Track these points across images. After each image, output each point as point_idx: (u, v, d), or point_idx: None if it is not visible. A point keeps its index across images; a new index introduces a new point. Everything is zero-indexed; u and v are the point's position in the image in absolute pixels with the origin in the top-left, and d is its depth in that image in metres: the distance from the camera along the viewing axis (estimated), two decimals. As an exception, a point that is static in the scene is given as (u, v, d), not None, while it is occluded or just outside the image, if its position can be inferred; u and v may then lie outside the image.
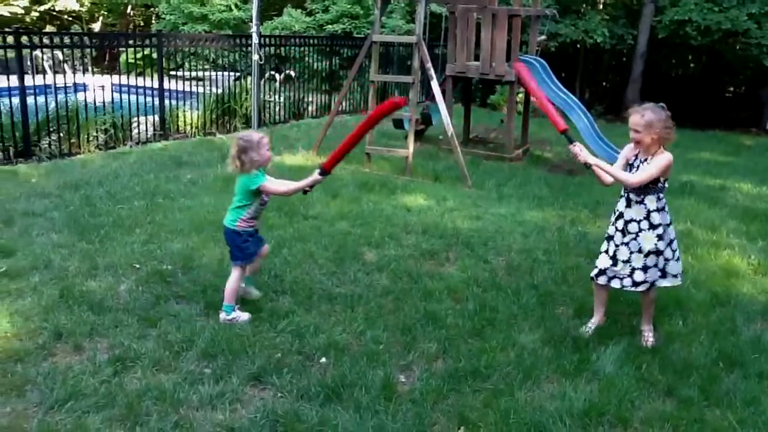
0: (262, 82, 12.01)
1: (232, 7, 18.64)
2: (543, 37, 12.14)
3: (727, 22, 17.58)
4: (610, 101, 20.85)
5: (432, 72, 8.88)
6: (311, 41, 13.97)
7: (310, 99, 13.25)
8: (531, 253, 6.00)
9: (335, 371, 3.84)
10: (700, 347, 4.37)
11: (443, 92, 10.14)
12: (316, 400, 3.56)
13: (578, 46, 19.86)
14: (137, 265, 5.20)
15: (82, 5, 21.82)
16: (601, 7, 21.31)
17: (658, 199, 4.34)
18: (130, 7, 23.40)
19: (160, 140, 10.20)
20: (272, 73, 12.82)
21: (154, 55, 10.50)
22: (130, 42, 11.51)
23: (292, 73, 13.04)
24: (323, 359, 3.99)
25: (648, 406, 3.69)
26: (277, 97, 12.46)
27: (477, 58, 10.66)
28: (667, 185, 4.39)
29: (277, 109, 12.28)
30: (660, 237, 4.33)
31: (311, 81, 13.75)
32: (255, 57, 5.17)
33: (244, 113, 11.27)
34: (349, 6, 17.61)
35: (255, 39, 5.16)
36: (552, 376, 3.95)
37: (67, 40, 9.59)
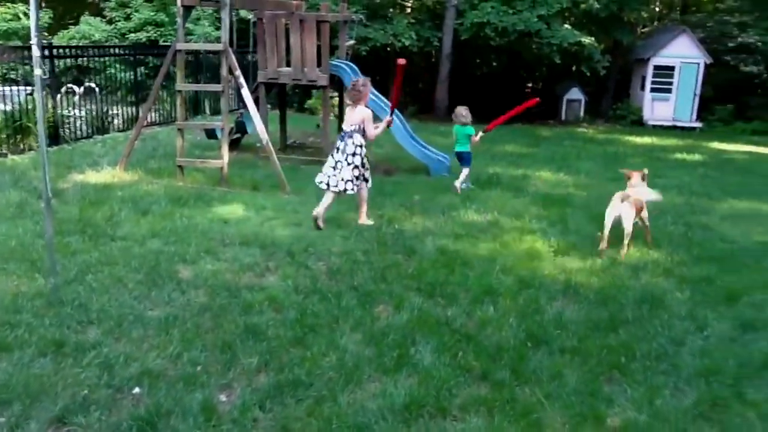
0: (59, 97, 11.14)
1: (21, 15, 17.15)
2: (352, 41, 12.35)
3: (520, 24, 18.98)
4: (423, 101, 21.76)
5: (242, 80, 8.71)
6: (113, 51, 13.20)
7: (116, 112, 12.48)
8: (351, 255, 6.06)
9: (149, 401, 3.61)
10: (509, 330, 4.63)
11: (257, 99, 10.01)
12: (129, 434, 3.33)
13: (388, 49, 20.46)
14: None
15: None
16: (408, 11, 22.15)
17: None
18: None
19: (-61, 166, 9.11)
20: (70, 86, 11.93)
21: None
22: None
23: (94, 86, 12.21)
24: (136, 389, 3.74)
25: (465, 392, 3.85)
26: (77, 111, 11.60)
27: (289, 63, 10.62)
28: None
29: (78, 124, 11.42)
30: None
31: (116, 93, 12.97)
32: (37, 72, 4.73)
33: (40, 131, 10.38)
34: (152, 13, 16.89)
35: (36, 52, 4.71)
36: (374, 375, 3.99)
37: None
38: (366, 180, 7.17)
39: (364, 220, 7.16)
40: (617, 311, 5.04)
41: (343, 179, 6.87)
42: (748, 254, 6.69)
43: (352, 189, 6.94)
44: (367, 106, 7.12)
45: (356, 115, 6.93)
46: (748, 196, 9.85)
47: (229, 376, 3.93)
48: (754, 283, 5.78)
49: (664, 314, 5.02)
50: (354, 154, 6.91)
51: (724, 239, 7.23)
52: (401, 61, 6.82)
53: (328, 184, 6.92)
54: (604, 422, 3.62)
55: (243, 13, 14.09)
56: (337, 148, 6.98)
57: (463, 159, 9.20)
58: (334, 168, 6.93)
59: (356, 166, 6.91)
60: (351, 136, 6.92)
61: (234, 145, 10.87)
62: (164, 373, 3.90)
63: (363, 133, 6.95)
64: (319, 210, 6.87)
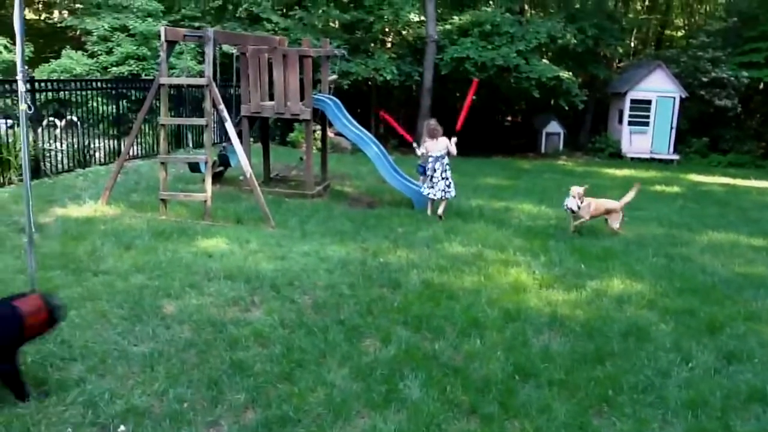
0: (40, 130, 11.08)
1: (1, 49, 17.10)
2: (335, 75, 12.48)
3: (499, 59, 19.31)
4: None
5: (225, 113, 8.73)
6: (95, 84, 13.16)
7: (98, 145, 12.41)
8: (336, 289, 6.04)
9: (135, 439, 3.56)
10: (497, 363, 4.64)
11: (240, 133, 10.03)
12: (114, 474, 3.26)
13: (370, 83, 20.69)
14: None
15: None
16: (389, 46, 22.43)
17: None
18: None
19: None
20: (52, 119, 11.87)
21: None
22: None
23: (75, 119, 12.16)
24: (121, 428, 3.68)
25: (454, 427, 3.83)
26: (58, 144, 11.53)
27: (272, 97, 10.67)
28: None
29: (59, 157, 11.35)
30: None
31: (97, 126, 12.92)
32: (23, 107, 4.72)
33: (20, 164, 10.26)
34: (134, 47, 16.92)
35: (21, 87, 4.71)
36: (362, 411, 3.97)
37: None
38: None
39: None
40: (603, 343, 5.06)
41: (442, 189, 9.45)
42: (729, 286, 6.78)
43: (452, 192, 9.60)
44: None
45: (441, 143, 9.51)
46: (726, 227, 10.01)
47: (216, 412, 3.89)
48: (736, 315, 5.85)
49: (649, 346, 5.05)
50: (447, 171, 9.53)
51: (705, 271, 7.32)
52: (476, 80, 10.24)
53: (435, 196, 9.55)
54: (595, 456, 3.62)
55: (225, 47, 14.17)
56: (434, 169, 9.47)
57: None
58: (431, 181, 9.55)
59: (448, 178, 9.54)
60: (443, 158, 9.49)
61: (216, 178, 10.85)
62: (150, 411, 3.85)
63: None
64: (440, 211, 9.44)
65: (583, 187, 8.82)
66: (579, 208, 8.70)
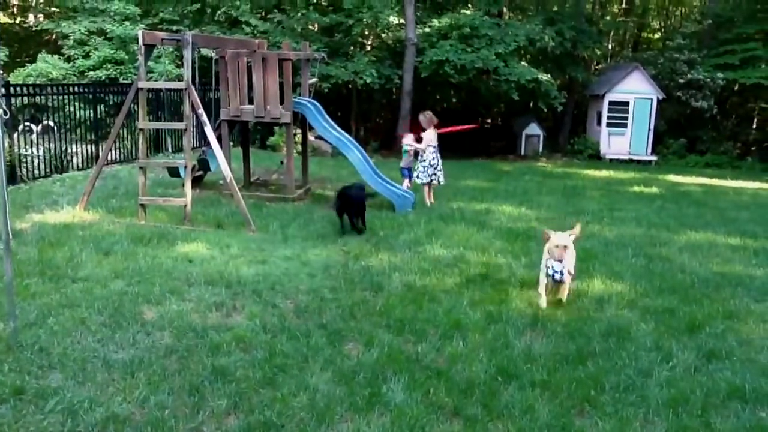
0: (16, 135, 10.94)
1: (-25, 54, 16.88)
2: (315, 79, 12.44)
3: (479, 61, 19.38)
4: (384, 137, 21.95)
5: (204, 117, 8.67)
6: (72, 89, 13.02)
7: (75, 150, 12.28)
8: (318, 293, 6.02)
9: (115, 447, 3.51)
10: (480, 365, 4.64)
11: (219, 137, 9.97)
12: (94, 483, 3.22)
13: (350, 86, 20.67)
14: None
15: None
16: (368, 49, 22.43)
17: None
18: None
19: None
20: (28, 124, 11.72)
21: None
22: None
23: (52, 124, 12.02)
24: (101, 436, 3.64)
25: (437, 430, 3.83)
26: (35, 150, 11.38)
27: (251, 101, 10.63)
28: None
29: (36, 163, 11.21)
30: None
31: (75, 131, 12.78)
32: (-2, 111, 4.65)
33: (-4, 170, 10.13)
34: (112, 51, 16.76)
35: (-3, 90, 4.63)
36: (346, 415, 3.95)
37: None
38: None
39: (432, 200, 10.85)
40: (584, 344, 5.09)
41: (439, 176, 10.69)
42: (707, 285, 6.84)
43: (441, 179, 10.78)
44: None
45: (434, 133, 10.67)
46: (704, 227, 10.12)
47: (198, 419, 3.85)
48: (715, 313, 5.91)
49: (630, 346, 5.09)
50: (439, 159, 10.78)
51: (684, 270, 7.39)
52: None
53: (431, 182, 10.68)
54: (578, 456, 3.64)
55: (204, 51, 14.09)
56: (434, 157, 10.61)
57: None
58: (435, 169, 10.63)
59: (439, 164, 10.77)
60: (438, 148, 10.73)
61: (196, 182, 10.77)
62: (131, 418, 3.80)
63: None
64: (431, 199, 10.75)
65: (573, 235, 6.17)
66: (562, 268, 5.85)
